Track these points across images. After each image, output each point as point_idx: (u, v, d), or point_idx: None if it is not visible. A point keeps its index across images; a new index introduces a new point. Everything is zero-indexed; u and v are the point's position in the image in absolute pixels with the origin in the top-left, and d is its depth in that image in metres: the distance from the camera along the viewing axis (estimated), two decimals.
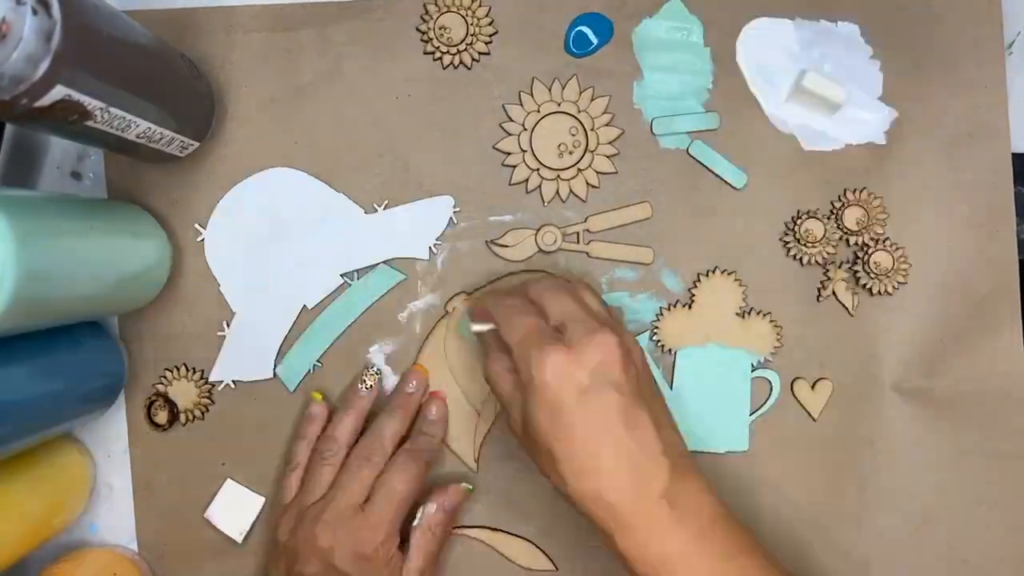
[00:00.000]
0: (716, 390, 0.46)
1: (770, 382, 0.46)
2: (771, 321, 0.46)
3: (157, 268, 0.45)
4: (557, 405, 0.35)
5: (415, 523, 0.43)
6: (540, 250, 0.46)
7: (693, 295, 0.46)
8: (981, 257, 0.46)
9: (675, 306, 0.46)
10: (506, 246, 0.46)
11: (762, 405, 0.46)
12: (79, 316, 0.41)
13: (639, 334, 0.47)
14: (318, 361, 0.47)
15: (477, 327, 0.41)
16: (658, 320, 0.46)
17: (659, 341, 0.46)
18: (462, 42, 0.46)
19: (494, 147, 0.46)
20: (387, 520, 0.41)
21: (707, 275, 0.46)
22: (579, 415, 0.35)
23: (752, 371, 0.46)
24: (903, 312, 0.46)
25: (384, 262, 0.47)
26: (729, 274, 0.46)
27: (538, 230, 0.46)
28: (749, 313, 0.46)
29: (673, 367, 0.46)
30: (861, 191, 0.46)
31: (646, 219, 0.46)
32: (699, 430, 0.46)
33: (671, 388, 0.46)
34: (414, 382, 0.46)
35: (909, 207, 0.46)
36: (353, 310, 0.47)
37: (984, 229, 0.46)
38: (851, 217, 0.46)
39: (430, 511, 0.43)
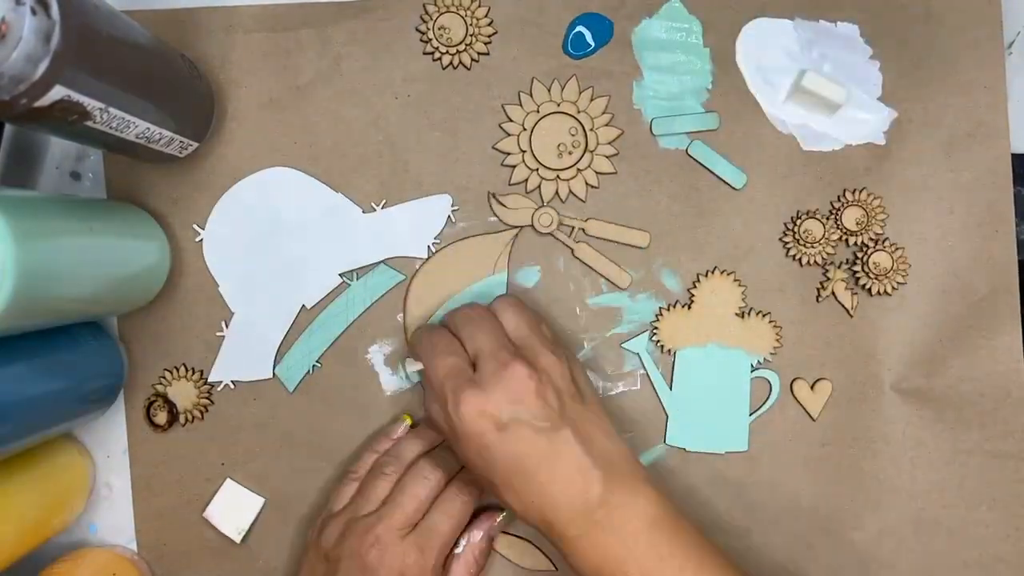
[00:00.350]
0: (716, 390, 0.46)
1: (769, 382, 0.46)
2: (770, 321, 0.46)
3: (156, 268, 0.45)
4: (481, 444, 0.37)
5: (459, 551, 0.43)
6: (534, 228, 0.46)
7: (693, 295, 0.46)
8: (981, 257, 0.46)
9: (675, 306, 0.46)
10: (505, 206, 0.46)
11: (762, 405, 0.46)
12: (79, 316, 0.41)
13: (639, 334, 0.47)
14: (317, 361, 0.47)
15: (411, 367, 0.42)
16: (658, 320, 0.46)
17: (658, 341, 0.46)
18: (461, 42, 0.46)
19: (493, 147, 0.46)
20: (437, 547, 0.40)
21: (707, 275, 0.46)
22: (502, 451, 0.37)
23: (752, 371, 0.46)
24: (902, 312, 0.46)
25: (383, 261, 0.47)
26: (729, 274, 0.46)
27: (538, 208, 0.46)
28: (749, 313, 0.46)
29: (673, 367, 0.46)
30: (860, 191, 0.46)
31: (642, 247, 0.46)
32: (699, 430, 0.46)
33: (671, 388, 0.46)
34: None
35: (909, 207, 0.46)
36: (352, 310, 0.47)
37: (984, 229, 0.46)
38: (850, 217, 0.46)
39: (475, 539, 0.43)
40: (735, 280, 0.46)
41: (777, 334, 0.46)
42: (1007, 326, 0.46)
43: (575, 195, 0.46)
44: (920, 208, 0.46)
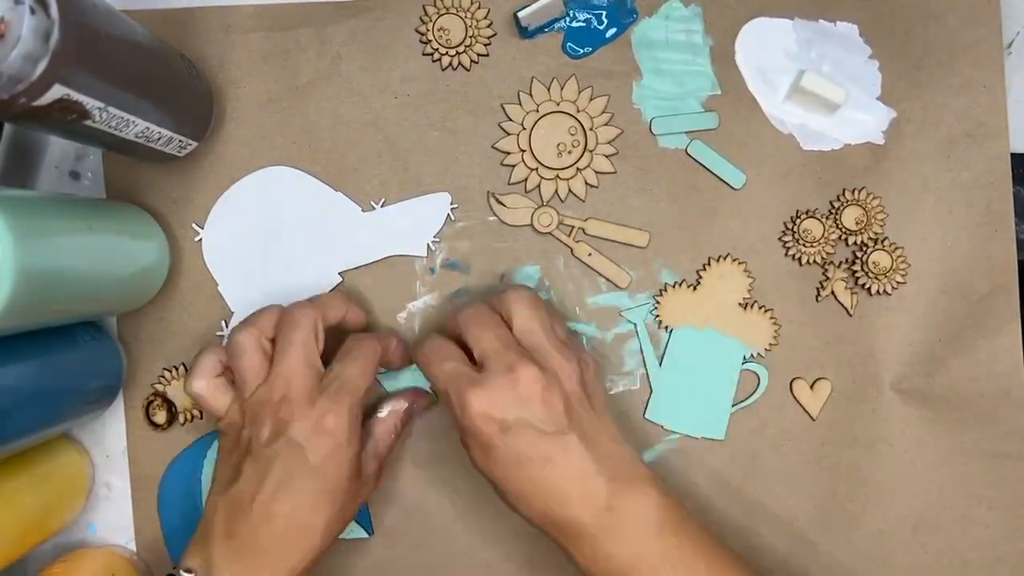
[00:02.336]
0: (704, 374, 0.46)
1: (759, 377, 0.46)
2: (771, 317, 0.46)
3: (156, 268, 0.45)
4: (486, 444, 0.37)
5: (382, 415, 0.43)
6: (533, 227, 0.46)
7: (700, 277, 0.46)
8: (980, 257, 0.46)
9: (680, 285, 0.46)
10: (504, 206, 0.46)
11: (747, 398, 0.46)
12: (78, 316, 0.41)
13: (642, 305, 0.47)
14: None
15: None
16: (661, 295, 0.46)
17: (658, 316, 0.46)
18: (461, 44, 0.46)
19: (493, 147, 0.46)
20: (347, 399, 0.38)
21: (718, 260, 0.46)
22: (505, 452, 0.37)
23: (743, 363, 0.46)
24: (902, 312, 0.46)
25: (383, 259, 0.47)
26: (740, 263, 0.46)
27: (538, 208, 0.46)
28: (752, 305, 0.46)
29: (667, 344, 0.46)
30: (860, 190, 0.46)
31: (641, 247, 0.46)
32: (680, 411, 0.46)
33: (660, 365, 0.46)
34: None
35: (908, 207, 0.46)
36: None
37: (983, 229, 0.46)
38: (850, 217, 0.46)
39: (399, 407, 0.43)
40: (745, 270, 0.46)
41: (775, 331, 0.46)
42: (1007, 326, 0.46)
43: (575, 194, 0.46)
44: (919, 208, 0.46)
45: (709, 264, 0.46)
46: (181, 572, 0.36)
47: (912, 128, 0.46)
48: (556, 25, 0.46)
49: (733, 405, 0.46)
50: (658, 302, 0.46)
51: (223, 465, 0.39)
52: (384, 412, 0.43)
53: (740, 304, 0.46)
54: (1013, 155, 0.46)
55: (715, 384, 0.46)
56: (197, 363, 0.41)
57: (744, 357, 0.46)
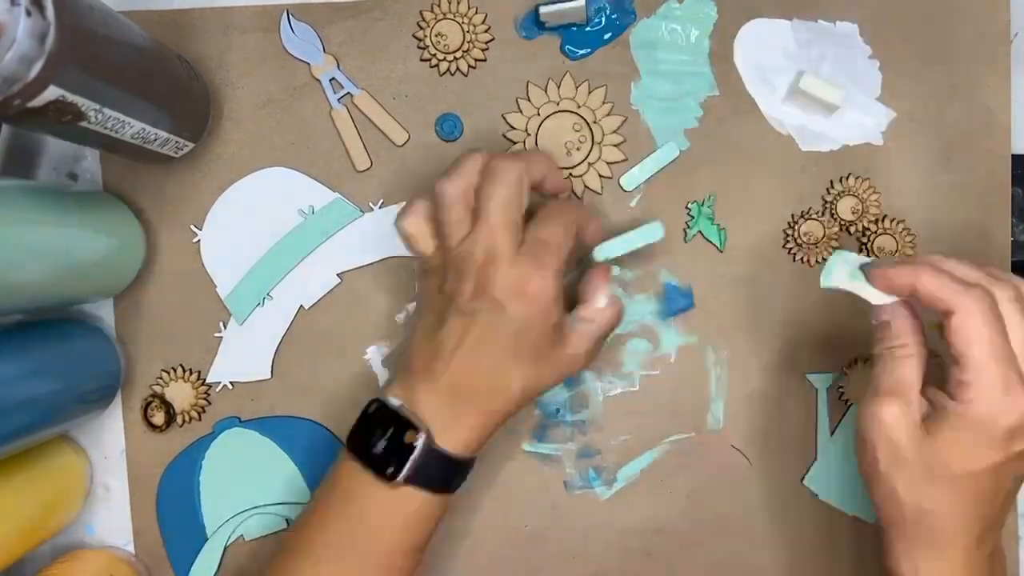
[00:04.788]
0: None
1: None
2: None
3: (123, 255, 0.44)
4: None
5: (599, 304, 0.41)
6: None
7: None
8: (977, 259, 0.45)
9: (867, 361, 0.46)
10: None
11: None
12: (37, 301, 0.40)
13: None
14: (268, 295, 0.47)
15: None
16: (850, 368, 0.46)
17: (841, 389, 0.46)
18: (459, 49, 0.46)
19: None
20: (552, 261, 0.37)
21: None
22: None
23: None
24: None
25: (381, 260, 0.47)
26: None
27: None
28: None
29: (843, 416, 0.46)
30: (847, 178, 0.45)
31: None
32: (839, 485, 0.46)
33: (831, 434, 0.46)
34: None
35: (907, 207, 0.46)
36: (306, 245, 0.47)
37: (982, 230, 0.46)
38: (846, 207, 0.45)
39: (600, 303, 0.41)
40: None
41: None
42: None
43: (590, 189, 0.46)
44: (918, 209, 0.46)
45: None
46: (389, 398, 0.38)
47: (912, 128, 0.46)
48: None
49: None
50: (846, 374, 0.46)
51: (427, 309, 0.40)
52: (602, 302, 0.41)
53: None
54: (1013, 156, 0.46)
55: None
56: (411, 203, 0.40)
57: None
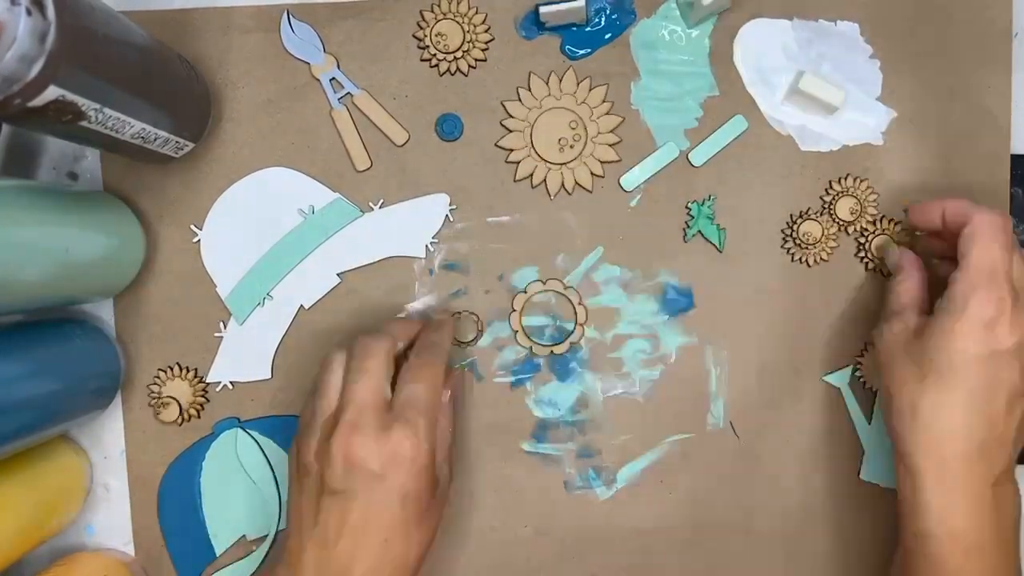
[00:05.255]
0: None
1: None
2: None
3: (122, 255, 0.44)
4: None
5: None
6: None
7: None
8: None
9: (875, 346, 0.45)
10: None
11: None
12: (37, 301, 0.40)
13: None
14: (269, 294, 0.47)
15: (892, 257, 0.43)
16: (862, 356, 0.46)
17: (860, 376, 0.46)
18: (459, 49, 0.46)
19: (496, 144, 0.46)
20: (422, 421, 0.37)
21: None
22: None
23: None
24: None
25: (382, 260, 0.47)
26: None
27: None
28: None
29: (873, 403, 0.46)
30: (845, 178, 0.45)
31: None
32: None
33: (869, 424, 0.46)
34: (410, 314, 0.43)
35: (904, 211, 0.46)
36: (306, 245, 0.47)
37: None
38: (844, 208, 0.45)
39: (445, 397, 0.41)
40: None
41: None
42: None
43: (581, 186, 0.46)
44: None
45: None
46: None
47: (912, 129, 0.46)
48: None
49: None
50: (859, 362, 0.46)
51: (301, 504, 0.38)
52: None
53: None
54: (1013, 156, 0.46)
55: None
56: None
57: None
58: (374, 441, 0.36)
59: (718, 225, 0.46)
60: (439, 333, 0.42)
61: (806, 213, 0.46)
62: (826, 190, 0.46)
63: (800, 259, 0.46)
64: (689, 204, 0.46)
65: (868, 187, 0.45)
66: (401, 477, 0.36)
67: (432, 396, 0.38)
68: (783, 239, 0.46)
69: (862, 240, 0.46)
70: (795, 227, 0.46)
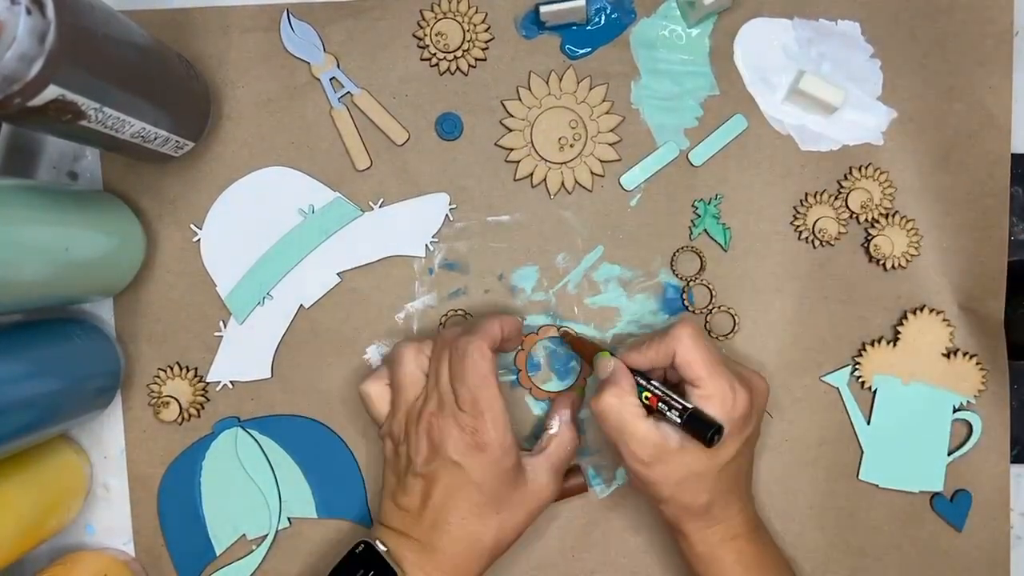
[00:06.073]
0: (916, 429, 0.46)
1: (970, 424, 0.46)
2: (977, 363, 0.45)
3: (122, 254, 0.44)
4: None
5: (551, 431, 0.43)
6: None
7: (899, 332, 0.46)
8: (975, 260, 0.46)
9: (879, 342, 0.46)
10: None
11: (961, 445, 0.46)
12: (37, 301, 0.41)
13: (841, 368, 0.46)
14: (268, 294, 0.47)
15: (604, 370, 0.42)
16: (861, 355, 0.46)
17: (859, 376, 0.46)
18: (458, 48, 0.46)
19: (496, 144, 0.46)
20: (489, 418, 0.39)
21: (915, 313, 0.45)
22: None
23: (954, 412, 0.46)
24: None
25: (382, 259, 0.47)
26: (938, 313, 0.45)
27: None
28: (955, 354, 0.45)
29: (872, 402, 0.46)
30: (867, 166, 0.45)
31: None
32: (895, 468, 0.46)
33: (868, 423, 0.46)
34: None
35: (905, 208, 0.46)
36: (306, 244, 0.47)
37: (979, 232, 0.46)
38: (856, 200, 0.45)
39: (565, 416, 0.44)
40: (944, 319, 0.45)
41: (983, 377, 0.45)
42: (993, 330, 0.46)
43: (581, 185, 0.46)
44: (916, 209, 0.46)
45: (907, 318, 0.45)
46: (376, 542, 0.39)
47: (913, 128, 0.46)
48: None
49: (949, 454, 0.46)
50: (858, 362, 0.46)
51: (389, 471, 0.42)
52: (555, 427, 0.43)
53: (943, 354, 0.45)
54: (1013, 156, 0.46)
55: (929, 437, 0.46)
56: (377, 368, 0.44)
57: (954, 406, 0.45)
58: (455, 428, 0.39)
59: (724, 224, 0.46)
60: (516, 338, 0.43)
61: (808, 198, 0.45)
62: (839, 183, 0.46)
63: (807, 240, 0.46)
64: (695, 203, 0.46)
65: (887, 180, 0.45)
66: (477, 462, 0.39)
67: (487, 379, 0.40)
68: (783, 238, 0.46)
69: (871, 234, 0.45)
70: (803, 216, 0.45)
